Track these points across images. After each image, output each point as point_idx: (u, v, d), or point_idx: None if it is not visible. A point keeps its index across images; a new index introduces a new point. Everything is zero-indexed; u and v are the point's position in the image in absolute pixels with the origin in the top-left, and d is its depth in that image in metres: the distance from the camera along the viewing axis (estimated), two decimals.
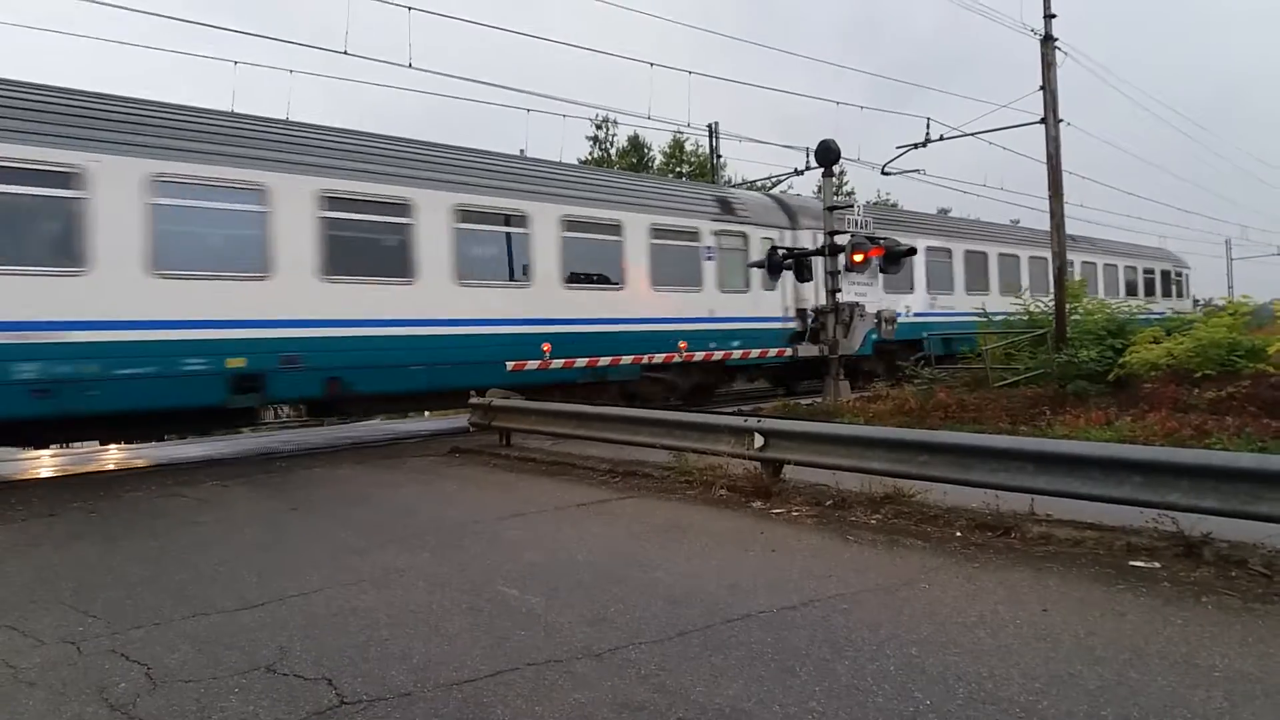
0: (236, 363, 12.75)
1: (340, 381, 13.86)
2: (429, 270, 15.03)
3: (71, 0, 14.23)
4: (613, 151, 47.66)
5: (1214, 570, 5.82)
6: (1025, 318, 21.34)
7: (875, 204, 38.42)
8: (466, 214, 15.67)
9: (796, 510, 8.17)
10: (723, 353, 19.78)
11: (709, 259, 19.73)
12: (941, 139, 24.34)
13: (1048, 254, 29.89)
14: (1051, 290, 20.48)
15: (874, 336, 20.31)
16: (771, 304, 20.99)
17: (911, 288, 25.09)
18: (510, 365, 15.93)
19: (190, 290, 12.44)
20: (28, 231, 11.66)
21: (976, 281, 27.90)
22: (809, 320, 20.21)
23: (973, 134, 23.66)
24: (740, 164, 53.21)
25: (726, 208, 20.70)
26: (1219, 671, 4.19)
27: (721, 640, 4.82)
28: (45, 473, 14.28)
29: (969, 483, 7.21)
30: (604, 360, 17.48)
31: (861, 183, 61.69)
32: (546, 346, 16.52)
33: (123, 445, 16.71)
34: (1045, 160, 19.65)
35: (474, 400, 14.47)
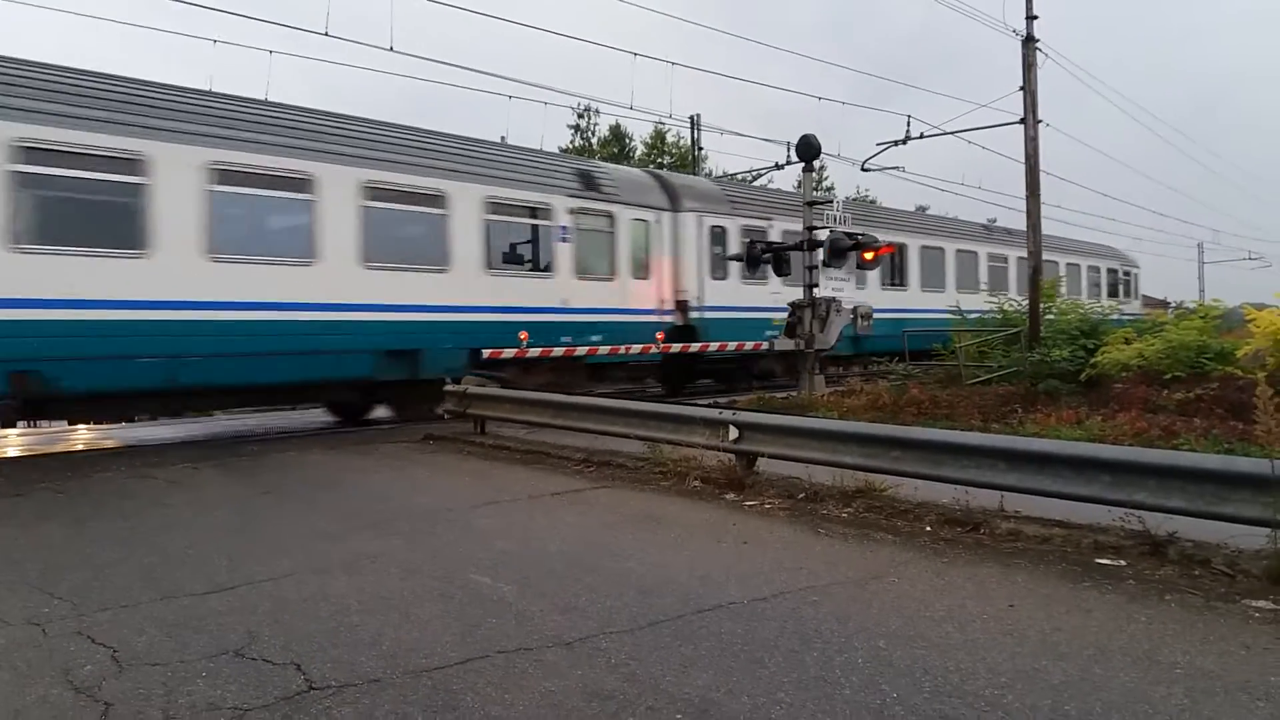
0: None
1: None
2: (169, 244, 12.64)
3: None
4: (594, 141, 47.59)
5: (1178, 569, 5.90)
6: (999, 316, 21.48)
7: (855, 200, 38.57)
8: (224, 175, 13.17)
9: (769, 503, 8.21)
10: (585, 348, 17.97)
11: (563, 240, 17.70)
12: (922, 136, 24.44)
13: (1006, 251, 30.14)
14: (1009, 290, 20.69)
15: (849, 331, 20.19)
16: (644, 294, 19.29)
17: (863, 284, 24.03)
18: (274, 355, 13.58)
19: None
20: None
21: (932, 278, 27.29)
22: (687, 313, 19.99)
23: (952, 133, 23.75)
24: (722, 157, 53.27)
25: (588, 183, 18.59)
26: (1180, 669, 4.26)
27: (692, 631, 4.84)
28: (12, 452, 14.11)
29: (940, 478, 7.27)
30: (418, 350, 15.34)
31: (841, 178, 61.87)
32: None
33: (92, 425, 16.49)
34: (1024, 160, 19.79)
35: (449, 388, 14.41)
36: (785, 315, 18.87)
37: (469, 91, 48.67)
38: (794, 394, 16.92)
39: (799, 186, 23.90)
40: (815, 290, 16.92)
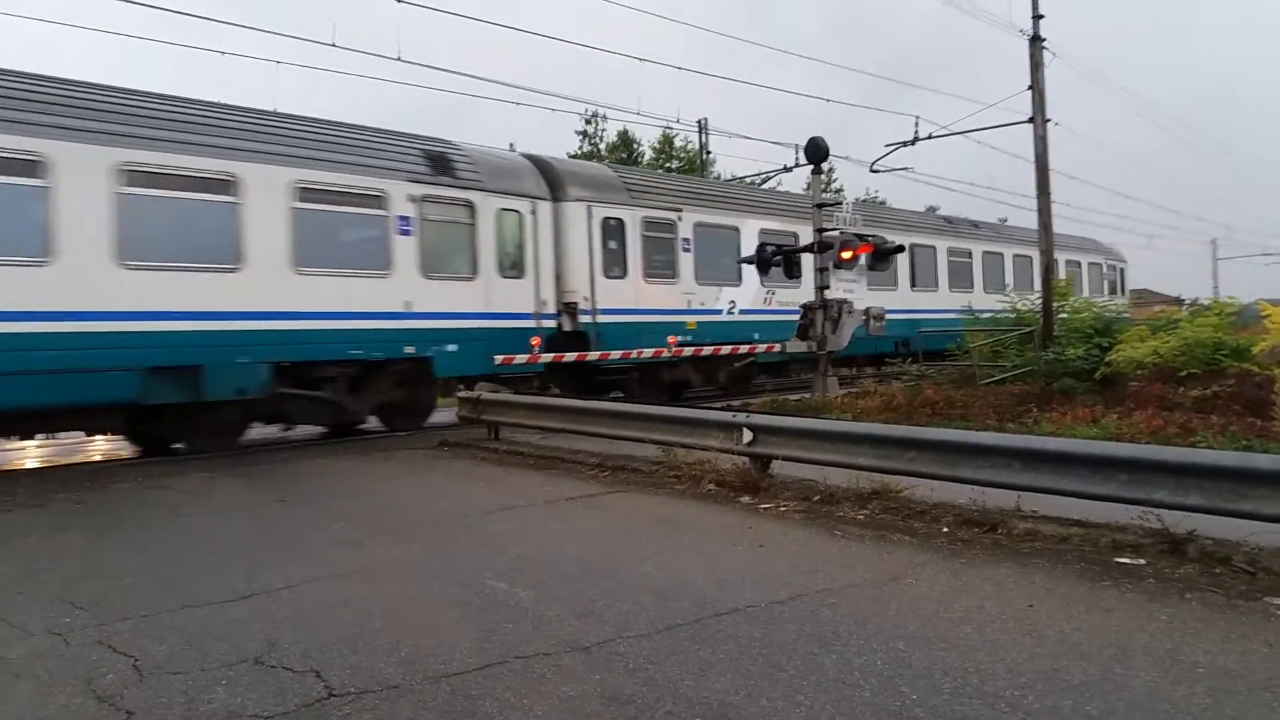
0: None
1: None
2: None
3: None
4: (602, 146, 47.63)
5: (1198, 567, 5.87)
6: (1012, 315, 21.38)
7: (864, 201, 38.50)
8: None
9: (784, 505, 8.20)
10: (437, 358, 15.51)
11: (404, 233, 15.00)
12: (930, 137, 24.40)
13: (1002, 249, 29.43)
14: (1021, 290, 20.15)
15: (861, 333, 19.09)
16: (517, 296, 16.63)
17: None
18: None
19: None
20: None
21: (925, 277, 26.30)
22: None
23: (961, 133, 23.69)
24: (730, 160, 53.32)
25: (440, 166, 15.81)
26: (1202, 667, 4.23)
27: (710, 634, 4.84)
28: (31, 464, 14.21)
29: (956, 479, 7.24)
30: (198, 366, 12.71)
31: (850, 180, 61.84)
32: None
33: (109, 436, 16.49)
34: (1033, 160, 19.73)
35: (462, 394, 14.45)
36: (702, 318, 19.18)
37: (476, 99, 48.77)
38: (807, 396, 16.89)
39: (808, 188, 23.64)
40: (826, 292, 16.84)
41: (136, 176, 12.31)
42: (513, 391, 14.70)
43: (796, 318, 19.61)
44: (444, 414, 16.44)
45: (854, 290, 18.52)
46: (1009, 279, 28.52)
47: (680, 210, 19.82)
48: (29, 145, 11.44)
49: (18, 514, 9.05)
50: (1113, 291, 34.65)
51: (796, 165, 28.54)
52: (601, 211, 18.20)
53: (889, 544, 6.80)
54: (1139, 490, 6.10)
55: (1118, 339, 16.31)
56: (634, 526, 7.70)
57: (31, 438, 14.66)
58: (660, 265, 19.24)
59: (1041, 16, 19.93)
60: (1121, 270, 36.75)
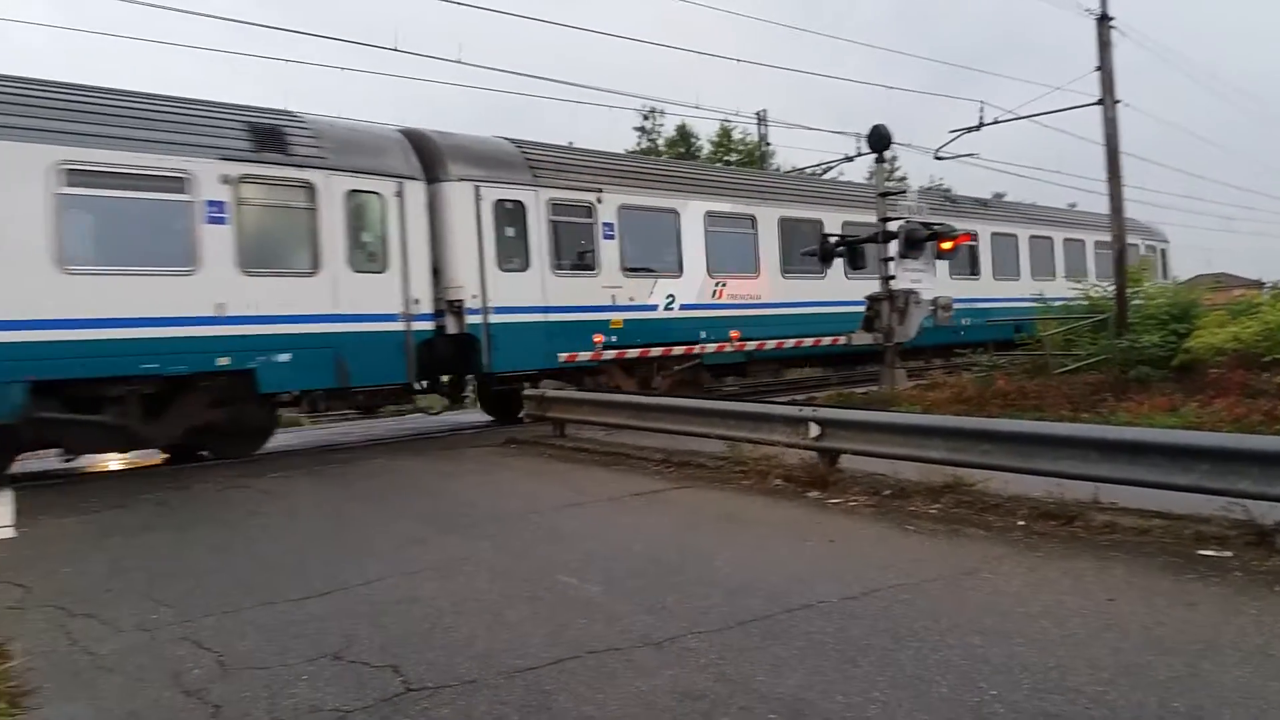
0: None
1: None
2: None
3: (124, 3, 13.99)
4: (660, 142, 47.59)
5: None
6: (1084, 303, 20.86)
7: (929, 189, 37.89)
8: None
9: (854, 500, 8.12)
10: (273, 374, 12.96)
11: (215, 221, 12.55)
12: (995, 122, 23.84)
13: (1051, 234, 27.61)
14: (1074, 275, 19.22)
15: (929, 324, 18.26)
16: (374, 293, 13.90)
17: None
18: None
19: None
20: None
21: (959, 266, 23.78)
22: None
23: (1027, 117, 23.11)
24: (791, 151, 52.87)
25: (268, 141, 13.25)
26: None
27: (781, 630, 4.81)
28: (114, 465, 14.67)
29: (1031, 471, 7.10)
30: None
31: (914, 168, 60.94)
32: None
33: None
34: (1103, 143, 19.22)
35: (528, 391, 14.55)
36: (632, 315, 16.83)
37: (535, 99, 49.12)
38: (874, 389, 16.68)
39: (871, 177, 23.12)
40: (891, 282, 16.57)
41: None
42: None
43: (759, 312, 19.14)
44: (292, 436, 16.30)
45: (922, 280, 17.81)
46: (1058, 264, 27.22)
47: (600, 191, 16.96)
48: None
49: (105, 514, 9.35)
50: (1149, 275, 31.11)
51: (859, 154, 28.15)
52: (494, 193, 15.44)
53: (963, 538, 6.69)
54: (1222, 480, 5.92)
55: (1196, 325, 15.83)
56: (701, 522, 7.69)
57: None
58: (575, 255, 16.65)
59: None
60: (1163, 251, 33.25)
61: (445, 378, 16.27)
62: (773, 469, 9.32)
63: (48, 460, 13.61)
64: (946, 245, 16.59)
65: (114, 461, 15.06)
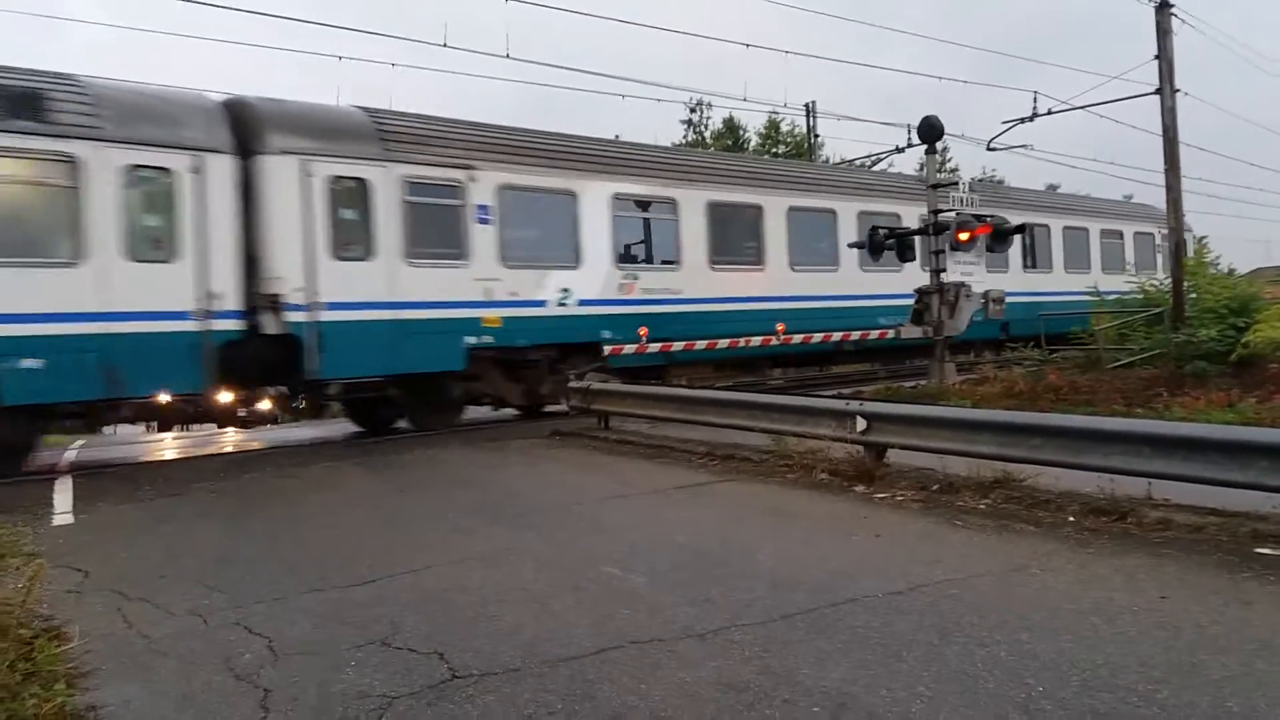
0: None
1: None
2: None
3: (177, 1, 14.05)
4: (707, 134, 47.42)
5: None
6: (1139, 296, 20.43)
7: (981, 180, 37.32)
8: None
9: (901, 495, 8.05)
10: None
11: None
12: (1050, 113, 23.42)
13: (1086, 224, 26.06)
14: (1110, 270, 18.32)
15: (979, 317, 17.90)
16: (158, 287, 11.87)
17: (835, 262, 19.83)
18: None
19: None
20: None
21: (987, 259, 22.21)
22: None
23: (1082, 107, 22.69)
24: (840, 143, 52.43)
25: (20, 106, 11.19)
26: None
27: (826, 624, 4.79)
28: (169, 455, 15.00)
29: (1082, 466, 6.99)
30: None
31: (966, 159, 60.14)
32: None
33: (239, 429, 17.24)
34: (1161, 133, 18.81)
35: (573, 384, 14.58)
36: (513, 312, 14.73)
37: (583, 93, 49.25)
38: (923, 382, 16.50)
39: (921, 169, 22.55)
40: (942, 275, 16.37)
41: None
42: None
43: (681, 308, 17.00)
44: (337, 428, 15.90)
45: (972, 273, 17.42)
46: (1094, 258, 25.97)
47: (473, 168, 14.66)
48: None
49: (159, 502, 9.57)
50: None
51: (909, 145, 27.80)
52: (329, 168, 13.20)
53: (1012, 534, 6.60)
54: None
55: (1256, 319, 15.44)
56: (745, 515, 7.67)
57: None
58: (437, 242, 14.39)
59: None
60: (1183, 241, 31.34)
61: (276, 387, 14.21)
62: (818, 463, 9.27)
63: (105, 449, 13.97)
64: (964, 237, 16.23)
65: (169, 451, 15.41)
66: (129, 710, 4.09)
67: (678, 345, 16.98)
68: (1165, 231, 26.89)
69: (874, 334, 20.31)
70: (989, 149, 24.76)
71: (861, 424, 8.88)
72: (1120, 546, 6.09)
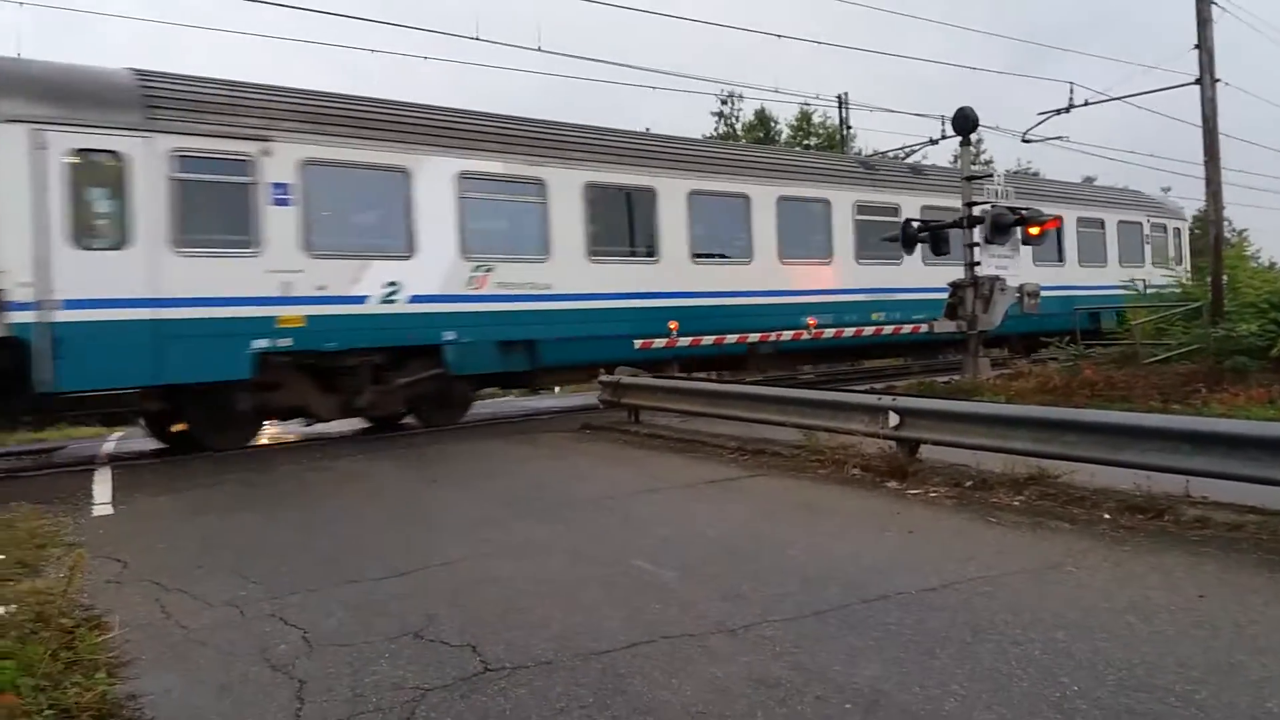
0: None
1: None
2: None
3: None
4: (738, 126, 47.20)
5: None
6: (1177, 290, 20.12)
7: (1016, 173, 36.93)
8: None
9: (934, 491, 7.99)
10: None
11: None
12: (1086, 104, 23.18)
13: (1102, 215, 24.66)
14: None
15: (1014, 311, 17.48)
16: None
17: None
18: None
19: None
20: None
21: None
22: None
23: (1119, 98, 22.39)
24: (872, 135, 51.95)
25: None
26: None
27: (859, 620, 4.77)
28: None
29: (1119, 463, 6.90)
30: None
31: (1001, 151, 59.45)
32: None
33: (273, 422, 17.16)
34: (1200, 124, 18.51)
35: (603, 378, 14.58)
36: (321, 310, 12.71)
37: (613, 85, 49.13)
38: (956, 378, 16.36)
39: (955, 161, 22.23)
40: (975, 269, 16.18)
41: None
42: None
43: (550, 305, 14.98)
44: None
45: (1008, 266, 17.05)
46: (1111, 250, 24.79)
47: (268, 139, 12.55)
48: None
49: (196, 493, 9.70)
50: (1162, 257, 26.02)
51: (943, 137, 27.55)
52: (70, 139, 11.23)
53: (1047, 531, 6.53)
54: None
55: None
56: (776, 510, 7.65)
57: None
58: (217, 227, 12.49)
59: None
60: (1177, 230, 27.72)
61: None
62: (850, 458, 9.22)
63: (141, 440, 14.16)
64: (1035, 231, 16.08)
65: None
66: (169, 699, 4.15)
67: (548, 346, 15.15)
68: (1153, 221, 26.62)
69: (788, 334, 18.17)
70: (1024, 141, 24.55)
71: (894, 419, 8.83)
72: (1157, 545, 6.02)
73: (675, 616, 4.94)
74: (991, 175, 18.28)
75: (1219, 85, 18.47)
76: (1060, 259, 23.34)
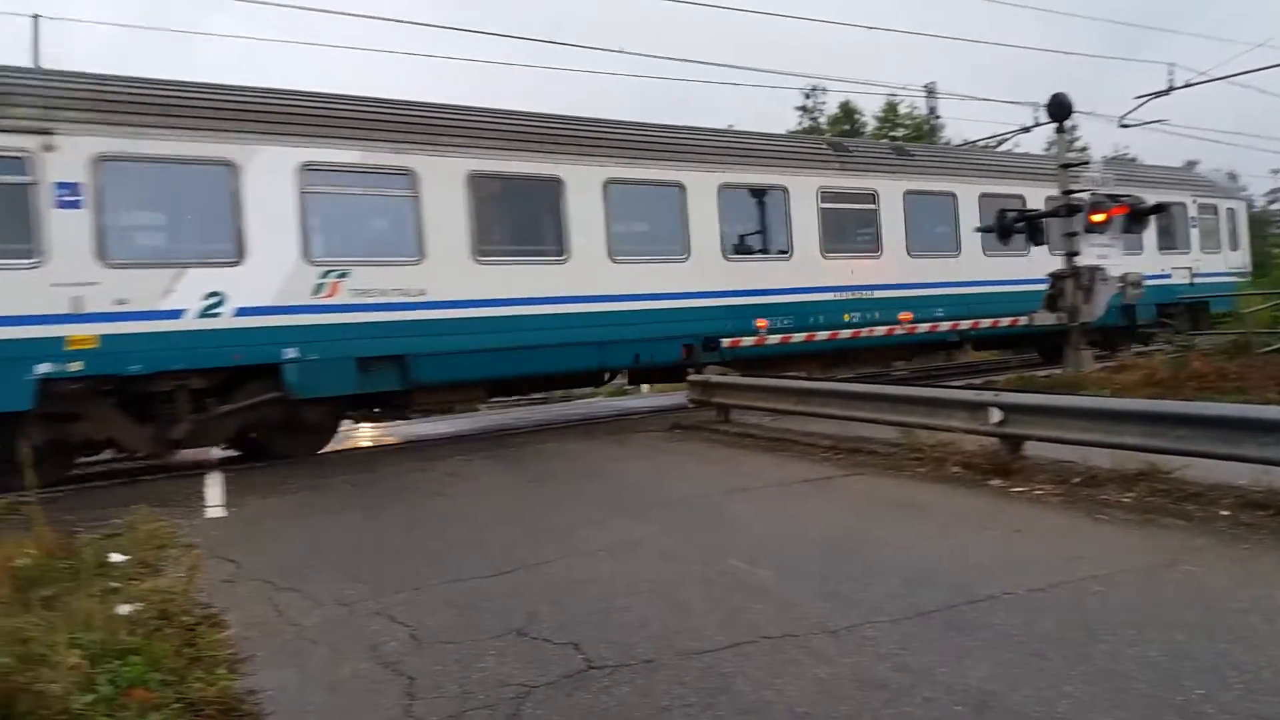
0: None
1: None
2: None
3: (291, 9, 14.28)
4: (823, 120, 46.64)
5: None
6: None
7: (1114, 159, 35.68)
8: None
9: (1040, 488, 7.77)
10: None
11: None
12: (1187, 85, 22.30)
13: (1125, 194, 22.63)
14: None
15: (1116, 301, 16.87)
16: None
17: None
18: None
19: None
20: None
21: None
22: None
23: (1222, 78, 21.50)
24: (963, 124, 50.84)
25: None
26: None
27: (965, 621, 4.67)
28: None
29: (1236, 457, 6.61)
30: None
31: (1097, 137, 57.57)
32: None
33: (375, 424, 17.54)
34: None
35: (692, 377, 14.56)
36: (123, 327, 10.80)
37: (696, 84, 49.07)
38: (1057, 372, 15.87)
39: (1050, 148, 21.47)
40: (1075, 259, 15.63)
41: None
42: None
43: (422, 315, 12.77)
44: (467, 421, 15.72)
45: (1108, 256, 16.34)
46: (1148, 236, 21.40)
47: (51, 133, 10.63)
48: None
49: (302, 494, 10.01)
50: (1213, 241, 23.18)
51: (1036, 124, 26.75)
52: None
53: (1159, 528, 6.30)
54: None
55: None
56: (874, 509, 7.54)
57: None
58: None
59: None
60: (1230, 210, 24.19)
61: None
62: (950, 456, 9.02)
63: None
64: (1098, 218, 15.46)
65: None
66: (285, 695, 4.30)
67: (426, 360, 12.96)
68: (1201, 202, 23.25)
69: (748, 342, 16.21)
70: (1121, 125, 23.70)
71: (997, 415, 8.60)
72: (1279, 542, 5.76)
73: (774, 616, 4.91)
74: (1088, 163, 17.67)
75: None
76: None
